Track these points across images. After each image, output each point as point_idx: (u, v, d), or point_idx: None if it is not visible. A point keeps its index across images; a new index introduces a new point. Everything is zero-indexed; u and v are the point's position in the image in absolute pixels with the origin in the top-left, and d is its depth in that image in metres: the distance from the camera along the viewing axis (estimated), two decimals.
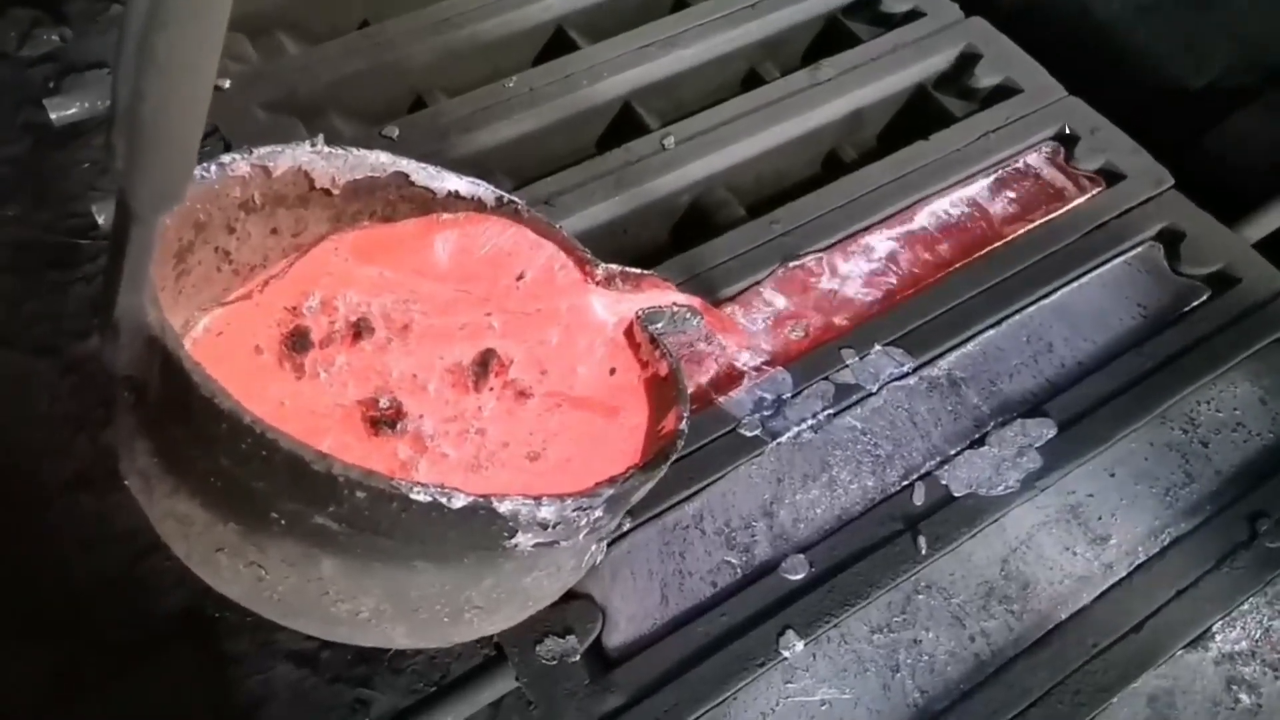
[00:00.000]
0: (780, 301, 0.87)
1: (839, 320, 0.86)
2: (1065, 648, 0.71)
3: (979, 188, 0.95)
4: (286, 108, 0.94)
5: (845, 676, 0.70)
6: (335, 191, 0.68)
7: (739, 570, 0.74)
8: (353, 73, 0.98)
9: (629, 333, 0.75)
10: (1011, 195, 0.94)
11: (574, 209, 0.89)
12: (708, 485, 0.77)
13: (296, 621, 0.59)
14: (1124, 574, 0.75)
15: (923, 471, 0.78)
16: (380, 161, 0.68)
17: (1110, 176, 0.95)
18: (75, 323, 1.37)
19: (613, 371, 0.74)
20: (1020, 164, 0.97)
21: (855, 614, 0.71)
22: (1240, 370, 0.84)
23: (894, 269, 0.89)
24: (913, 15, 1.07)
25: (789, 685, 0.69)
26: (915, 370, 0.83)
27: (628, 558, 0.74)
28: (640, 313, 0.75)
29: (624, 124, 1.01)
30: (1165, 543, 0.76)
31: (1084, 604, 0.73)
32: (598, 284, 0.74)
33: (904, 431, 0.80)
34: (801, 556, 0.73)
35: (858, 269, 0.89)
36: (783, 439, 0.79)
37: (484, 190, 0.72)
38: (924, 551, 0.73)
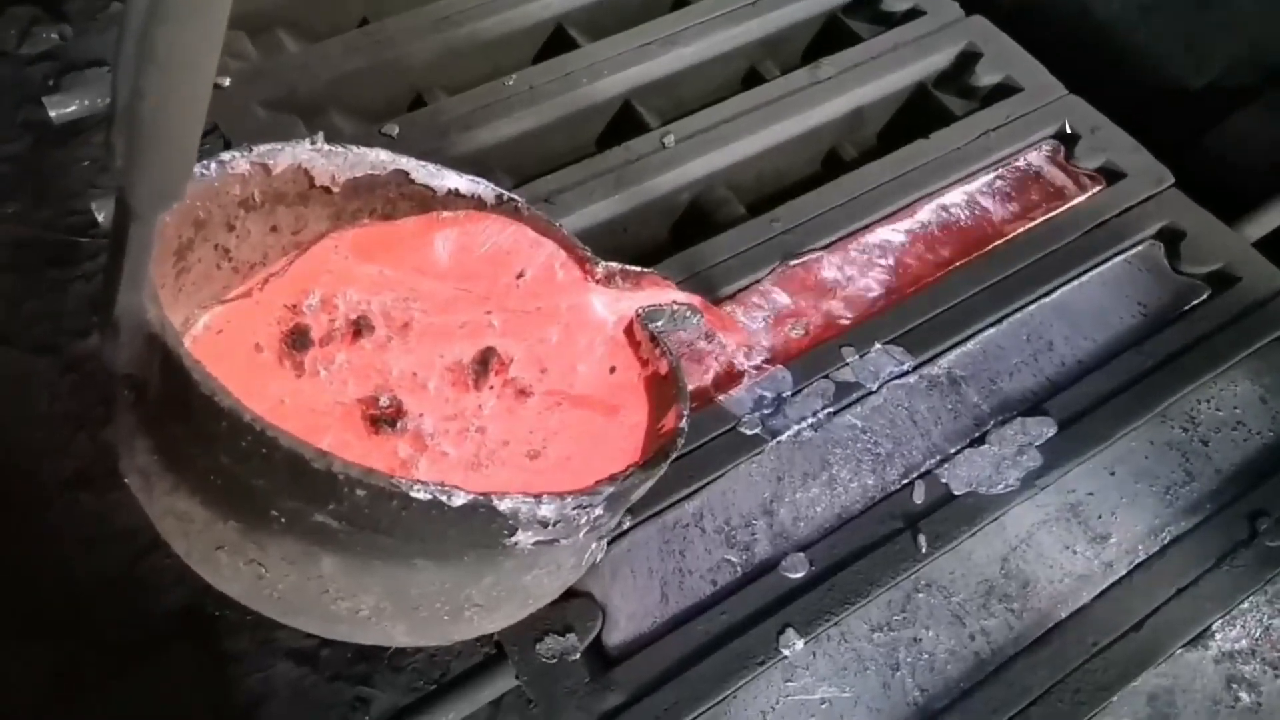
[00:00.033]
0: (780, 300, 0.87)
1: (839, 318, 0.86)
2: (1065, 646, 0.71)
3: (979, 186, 0.95)
4: (286, 105, 0.94)
5: (845, 675, 0.70)
6: (335, 189, 0.68)
7: (739, 568, 0.74)
8: (353, 70, 0.98)
9: (629, 331, 0.75)
10: (1012, 194, 0.94)
11: (574, 207, 0.89)
12: (708, 483, 0.77)
13: (296, 619, 0.59)
14: (1124, 572, 0.75)
15: (923, 470, 0.78)
16: (380, 159, 0.68)
17: (1110, 175, 0.95)
18: (75, 321, 1.37)
19: (613, 370, 0.74)
20: (1021, 162, 0.96)
21: (855, 612, 0.71)
22: (1240, 369, 0.84)
23: (894, 267, 0.89)
24: (913, 14, 1.07)
25: (789, 684, 0.69)
26: (915, 368, 0.83)
27: (628, 556, 0.74)
28: (640, 311, 0.75)
29: (624, 122, 1.01)
30: (1165, 541, 0.76)
31: (1084, 602, 0.73)
32: (598, 282, 0.74)
33: (904, 430, 0.80)
34: (801, 555, 0.73)
35: (858, 267, 0.89)
36: (783, 437, 0.79)
37: (484, 188, 0.72)
38: (924, 550, 0.73)
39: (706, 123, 0.96)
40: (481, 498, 0.51)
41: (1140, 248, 0.91)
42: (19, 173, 1.50)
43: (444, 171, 0.71)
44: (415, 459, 0.67)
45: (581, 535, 0.60)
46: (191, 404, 0.49)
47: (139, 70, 0.37)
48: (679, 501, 0.76)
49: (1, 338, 1.36)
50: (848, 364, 0.82)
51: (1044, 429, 0.79)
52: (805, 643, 0.70)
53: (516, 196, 0.73)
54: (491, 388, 0.71)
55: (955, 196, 0.94)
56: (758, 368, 0.82)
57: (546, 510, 0.54)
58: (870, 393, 0.81)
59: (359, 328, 0.69)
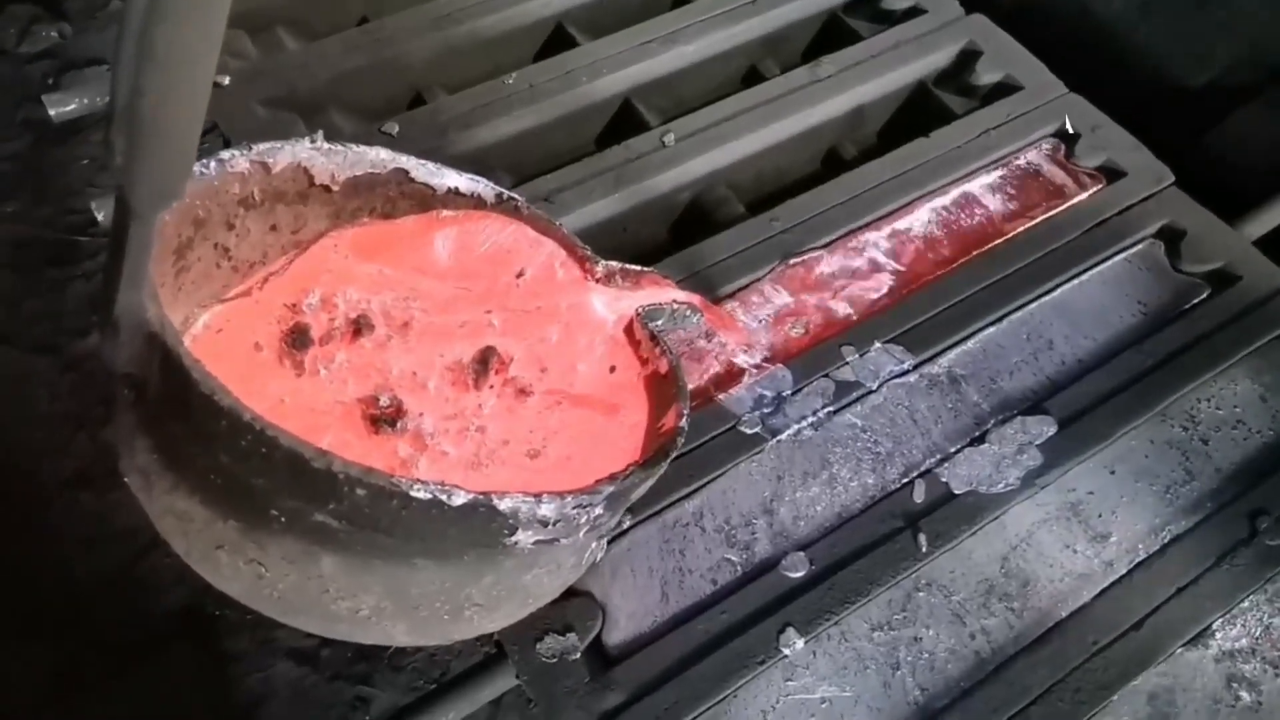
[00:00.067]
0: (780, 298, 0.87)
1: (839, 317, 0.86)
2: (1065, 645, 0.71)
3: (979, 185, 0.95)
4: (286, 104, 0.94)
5: (845, 674, 0.70)
6: (335, 188, 0.67)
7: (739, 568, 0.74)
8: (352, 69, 0.97)
9: (629, 330, 0.75)
10: (1012, 192, 0.94)
11: (574, 206, 0.89)
12: (708, 483, 0.77)
13: (296, 619, 0.59)
14: (1124, 571, 0.75)
15: (923, 469, 0.78)
16: (380, 158, 0.68)
17: (1111, 174, 0.95)
18: (75, 320, 1.37)
19: (613, 369, 0.74)
20: (1021, 161, 0.96)
21: (855, 611, 0.71)
22: (1240, 368, 0.84)
23: (894, 266, 0.89)
24: (913, 12, 1.07)
25: (789, 683, 0.69)
26: (915, 367, 0.83)
27: (628, 555, 0.74)
28: (640, 310, 0.75)
29: (624, 121, 1.01)
30: (1165, 540, 0.76)
31: (1084, 601, 0.73)
32: (598, 281, 0.74)
33: (904, 429, 0.80)
34: (802, 554, 0.73)
35: (857, 266, 0.89)
36: (783, 436, 0.79)
37: (484, 187, 0.72)
38: (924, 549, 0.73)
39: (706, 121, 0.96)
40: (481, 497, 0.51)
41: (1140, 246, 0.91)
42: (18, 171, 1.50)
43: (444, 170, 0.71)
44: (415, 458, 0.67)
45: (581, 534, 0.60)
46: (191, 403, 0.49)
47: (139, 69, 0.37)
48: (679, 501, 0.76)
49: (1, 337, 1.36)
50: (848, 363, 0.82)
51: (1044, 428, 0.79)
52: (805, 642, 0.70)
53: (516, 195, 0.73)
54: (491, 387, 0.71)
55: (955, 195, 0.94)
56: (758, 366, 0.82)
57: (546, 509, 0.54)
58: (870, 392, 0.81)
59: (359, 327, 0.69)
